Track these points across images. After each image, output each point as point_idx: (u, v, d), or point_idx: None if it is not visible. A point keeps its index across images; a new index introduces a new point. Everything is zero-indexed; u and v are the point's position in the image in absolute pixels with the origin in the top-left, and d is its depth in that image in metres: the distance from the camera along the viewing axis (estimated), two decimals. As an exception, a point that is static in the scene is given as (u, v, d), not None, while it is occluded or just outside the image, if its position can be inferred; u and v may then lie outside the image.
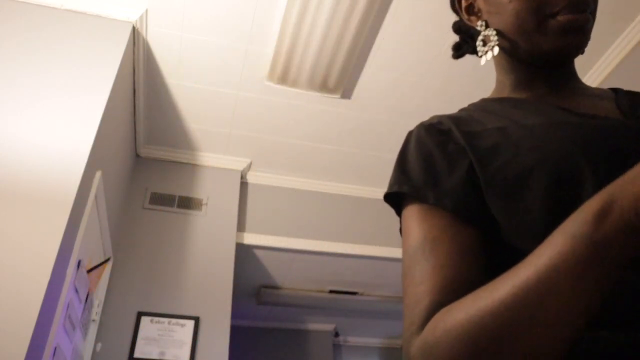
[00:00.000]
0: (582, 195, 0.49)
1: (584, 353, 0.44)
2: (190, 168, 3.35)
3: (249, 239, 3.28)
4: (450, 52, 2.64)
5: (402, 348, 0.50)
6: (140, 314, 2.76)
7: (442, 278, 0.50)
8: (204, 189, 3.30)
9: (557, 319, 0.38)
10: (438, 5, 2.41)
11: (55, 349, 1.87)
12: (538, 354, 0.38)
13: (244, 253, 3.37)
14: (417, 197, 0.57)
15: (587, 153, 0.51)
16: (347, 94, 2.91)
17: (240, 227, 3.29)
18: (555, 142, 0.53)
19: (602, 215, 0.37)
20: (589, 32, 0.62)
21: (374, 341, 5.47)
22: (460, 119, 0.63)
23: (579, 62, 1.78)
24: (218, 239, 3.13)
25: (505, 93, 0.69)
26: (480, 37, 0.68)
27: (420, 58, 2.69)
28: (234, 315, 3.20)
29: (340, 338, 5.31)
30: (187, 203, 3.21)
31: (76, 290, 2.12)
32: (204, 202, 3.24)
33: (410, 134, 0.65)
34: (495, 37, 0.65)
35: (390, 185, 0.61)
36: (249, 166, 3.46)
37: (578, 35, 0.61)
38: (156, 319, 2.76)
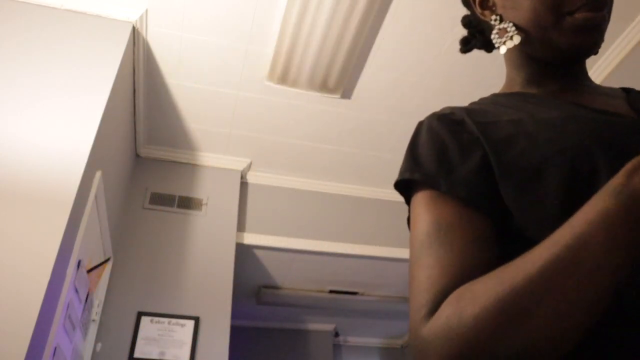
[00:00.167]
0: (597, 188, 0.48)
1: (601, 349, 0.44)
2: (190, 168, 3.35)
3: (249, 239, 3.28)
4: (450, 52, 2.65)
5: (410, 335, 0.48)
6: (140, 314, 2.76)
7: (457, 262, 0.50)
8: (204, 189, 3.30)
9: (590, 278, 0.38)
10: (438, 5, 2.41)
11: (55, 349, 1.87)
12: (568, 319, 0.39)
13: (244, 253, 3.37)
14: (429, 184, 0.56)
15: (603, 147, 0.51)
16: (347, 94, 2.91)
17: (240, 227, 3.29)
18: (571, 135, 0.53)
19: (632, 171, 0.40)
20: (604, 32, 0.62)
21: (374, 341, 5.47)
22: (473, 111, 0.63)
23: (579, 62, 1.77)
24: (218, 239, 3.13)
25: (517, 89, 0.69)
26: (495, 31, 0.68)
27: (420, 58, 2.69)
28: (234, 315, 3.20)
29: (340, 338, 5.31)
30: (187, 203, 3.21)
31: (76, 290, 2.12)
32: (204, 202, 3.24)
33: (420, 124, 0.65)
34: (514, 28, 0.65)
35: (401, 172, 0.60)
36: (249, 166, 3.46)
37: (594, 34, 0.61)
38: (156, 319, 2.76)
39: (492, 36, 0.68)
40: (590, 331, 0.40)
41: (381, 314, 4.62)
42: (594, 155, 0.51)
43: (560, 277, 0.39)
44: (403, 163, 0.62)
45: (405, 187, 0.61)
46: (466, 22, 0.80)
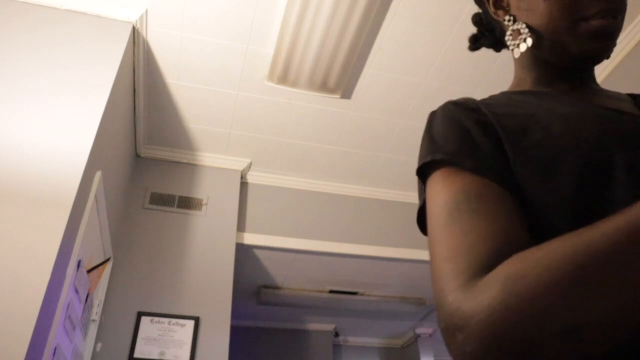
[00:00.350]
0: (613, 180, 0.49)
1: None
2: (190, 168, 3.35)
3: (249, 239, 3.28)
4: (449, 52, 2.65)
5: (444, 309, 0.43)
6: (140, 314, 2.76)
7: (497, 227, 0.47)
8: (204, 189, 3.30)
9: None
10: (438, 6, 2.41)
11: (55, 349, 1.87)
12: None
13: (244, 253, 3.37)
14: (452, 163, 0.54)
15: (618, 142, 0.51)
16: (347, 94, 2.91)
17: (240, 227, 3.29)
18: (587, 129, 0.53)
19: None
20: (617, 39, 0.63)
21: (374, 341, 5.47)
22: (486, 103, 0.63)
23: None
24: (218, 239, 3.13)
25: (526, 88, 0.69)
26: (508, 32, 0.68)
27: (420, 58, 2.69)
28: (234, 315, 3.20)
29: (340, 338, 5.31)
30: (187, 203, 3.21)
31: (76, 290, 2.12)
32: (204, 202, 3.24)
33: (433, 113, 0.64)
34: (527, 30, 0.65)
35: (422, 157, 0.58)
36: (249, 166, 3.46)
37: (607, 41, 0.61)
38: (156, 319, 2.76)
39: (506, 38, 0.69)
40: None
41: (381, 314, 4.62)
42: (609, 149, 0.51)
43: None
44: (422, 150, 0.60)
45: (423, 174, 0.59)
46: (477, 19, 0.80)
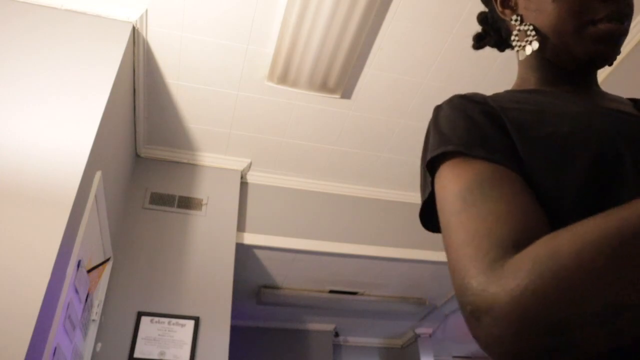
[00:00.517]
0: (621, 176, 0.49)
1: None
2: (190, 168, 3.35)
3: (249, 239, 3.28)
4: (449, 52, 2.66)
5: (468, 293, 0.42)
6: (140, 314, 2.76)
7: (515, 209, 0.46)
8: (204, 189, 3.30)
9: None
10: (438, 6, 2.41)
11: (55, 349, 1.87)
12: None
13: (244, 253, 3.37)
14: (463, 153, 0.54)
15: (625, 139, 0.52)
16: (347, 94, 2.91)
17: (240, 227, 3.29)
18: (596, 126, 0.54)
19: None
20: (622, 44, 0.63)
21: (374, 341, 5.47)
22: (492, 97, 0.63)
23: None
24: (218, 239, 3.13)
25: (530, 87, 0.69)
26: (515, 33, 0.68)
27: (420, 58, 2.69)
28: (234, 315, 3.20)
29: (340, 338, 5.30)
30: (187, 203, 3.21)
31: (76, 290, 2.12)
32: (204, 202, 3.24)
33: (439, 107, 0.64)
34: (533, 32, 0.65)
35: (432, 150, 0.57)
36: (249, 166, 3.46)
37: (613, 46, 0.62)
38: (156, 319, 2.76)
39: (512, 38, 0.69)
40: None
41: (381, 314, 4.62)
42: (618, 146, 0.51)
43: None
44: (430, 143, 0.59)
45: (431, 167, 0.58)
46: (482, 18, 0.80)
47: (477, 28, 0.83)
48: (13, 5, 2.19)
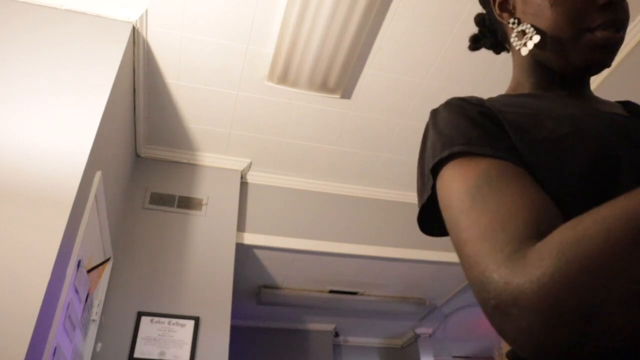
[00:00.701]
0: (620, 177, 0.50)
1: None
2: (190, 168, 3.35)
3: (249, 239, 3.28)
4: (449, 52, 2.66)
5: (488, 287, 0.41)
6: (140, 314, 2.76)
7: (527, 201, 0.46)
8: (204, 189, 3.30)
9: None
10: (438, 6, 2.41)
11: (55, 349, 1.87)
12: None
13: (244, 253, 3.37)
14: (468, 152, 0.53)
15: (624, 140, 0.52)
16: (347, 94, 2.91)
17: (240, 227, 3.29)
18: (593, 127, 0.54)
19: None
20: (618, 51, 0.64)
21: (374, 341, 5.47)
22: (487, 100, 0.64)
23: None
24: (218, 239, 3.13)
25: (525, 91, 0.70)
26: (514, 34, 0.68)
27: (420, 58, 2.69)
28: (234, 315, 3.20)
29: (340, 338, 5.31)
30: (187, 203, 3.21)
31: (76, 290, 2.12)
32: (204, 202, 3.24)
33: (435, 110, 0.64)
34: (532, 28, 0.65)
35: (436, 153, 0.56)
36: (249, 166, 3.46)
37: (609, 54, 0.62)
38: (156, 319, 2.76)
39: (512, 39, 0.69)
40: None
41: (381, 314, 4.62)
42: (615, 146, 0.52)
43: None
44: (432, 146, 0.59)
45: (434, 170, 0.58)
46: (479, 20, 0.81)
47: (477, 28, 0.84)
48: (13, 5, 2.19)
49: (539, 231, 0.42)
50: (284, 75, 2.72)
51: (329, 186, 3.63)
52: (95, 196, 2.13)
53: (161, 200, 3.18)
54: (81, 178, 1.86)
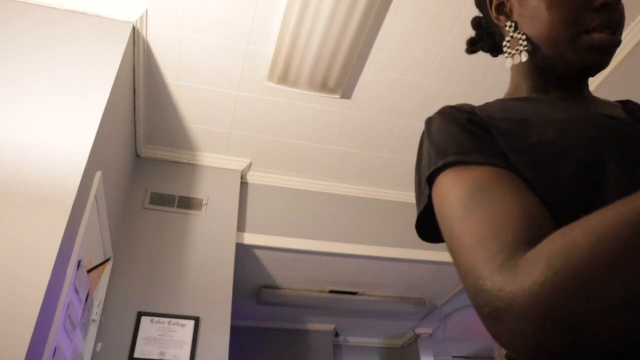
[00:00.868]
0: (605, 182, 0.50)
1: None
2: (190, 168, 3.35)
3: (249, 239, 3.28)
4: (449, 53, 2.66)
5: (484, 295, 0.42)
6: (140, 314, 2.76)
7: (518, 208, 0.47)
8: (204, 189, 3.30)
9: None
10: (438, 6, 2.41)
11: (55, 349, 1.87)
12: None
13: (244, 253, 3.37)
14: (461, 161, 0.54)
15: (610, 146, 0.52)
16: (347, 94, 2.91)
17: (240, 227, 3.29)
18: (581, 133, 0.54)
19: None
20: (614, 53, 0.64)
21: (374, 341, 5.47)
22: (480, 107, 0.64)
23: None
24: (218, 239, 3.13)
25: (522, 95, 0.70)
26: (507, 38, 0.69)
27: (420, 58, 2.69)
28: (234, 315, 3.20)
29: (340, 338, 5.31)
30: (187, 203, 3.21)
31: (76, 290, 2.12)
32: (204, 202, 3.24)
33: (430, 119, 0.65)
34: (525, 42, 0.66)
35: (431, 164, 0.58)
36: (249, 166, 3.46)
37: (606, 56, 0.63)
38: (156, 319, 2.76)
39: (504, 44, 0.69)
40: None
41: (381, 314, 4.62)
42: (602, 152, 0.52)
43: None
44: (427, 156, 0.60)
45: (429, 179, 0.59)
46: (476, 22, 0.81)
47: (477, 29, 0.84)
48: (13, 5, 2.19)
49: (530, 238, 0.43)
50: (284, 75, 2.72)
51: (329, 186, 3.63)
52: (95, 196, 2.13)
53: (161, 200, 3.18)
54: (81, 178, 1.86)
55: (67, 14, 2.26)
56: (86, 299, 2.37)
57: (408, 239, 3.53)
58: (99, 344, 2.62)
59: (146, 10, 2.40)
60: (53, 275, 1.64)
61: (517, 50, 0.66)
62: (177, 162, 3.34)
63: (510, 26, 0.68)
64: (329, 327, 5.05)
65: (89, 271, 2.34)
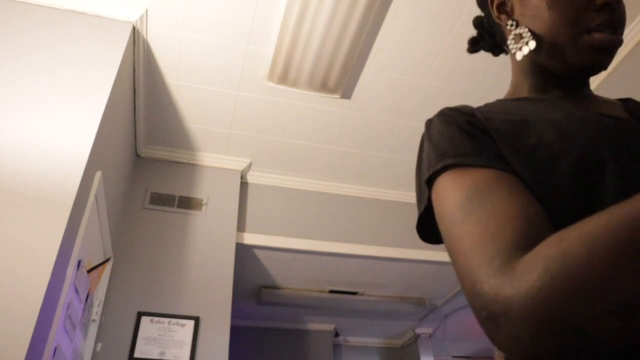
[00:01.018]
0: (604, 183, 0.50)
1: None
2: (190, 168, 3.35)
3: (249, 239, 3.28)
4: (449, 52, 2.66)
5: (481, 298, 0.42)
6: (140, 314, 2.76)
7: (516, 211, 0.47)
8: (204, 189, 3.30)
9: None
10: (438, 6, 2.41)
11: (55, 349, 1.87)
12: None
13: (244, 253, 3.37)
14: (461, 164, 0.55)
15: (609, 146, 0.52)
16: (347, 94, 2.91)
17: (240, 227, 3.29)
18: (579, 133, 0.54)
19: None
20: (616, 52, 0.64)
21: (374, 341, 5.47)
22: (480, 109, 0.64)
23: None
24: (218, 239, 3.13)
25: (523, 95, 0.70)
26: (511, 36, 0.69)
27: (420, 58, 2.69)
28: (234, 315, 3.20)
29: (340, 338, 5.31)
30: (187, 203, 3.21)
31: (76, 290, 2.12)
32: (204, 202, 3.24)
33: (430, 120, 0.65)
34: (529, 34, 0.65)
35: (431, 165, 0.58)
36: (249, 166, 3.46)
37: (607, 56, 0.63)
38: (156, 319, 2.76)
39: (509, 42, 0.69)
40: None
41: (381, 314, 4.62)
42: (600, 152, 0.52)
43: None
44: (427, 158, 0.60)
45: (429, 181, 0.59)
46: (478, 22, 0.81)
47: (477, 29, 0.84)
48: (13, 5, 2.19)
49: (528, 242, 0.43)
50: (284, 75, 2.72)
51: (329, 186, 3.63)
52: (95, 196, 2.13)
53: (161, 200, 3.18)
54: (81, 178, 1.86)
55: (67, 14, 2.26)
56: (86, 299, 2.37)
57: (408, 239, 3.53)
58: (99, 344, 2.62)
59: (146, 10, 2.40)
60: (53, 275, 1.64)
61: (522, 42, 0.66)
62: (177, 162, 3.34)
63: (512, 25, 0.68)
64: (329, 327, 5.05)
65: (89, 271, 2.34)
